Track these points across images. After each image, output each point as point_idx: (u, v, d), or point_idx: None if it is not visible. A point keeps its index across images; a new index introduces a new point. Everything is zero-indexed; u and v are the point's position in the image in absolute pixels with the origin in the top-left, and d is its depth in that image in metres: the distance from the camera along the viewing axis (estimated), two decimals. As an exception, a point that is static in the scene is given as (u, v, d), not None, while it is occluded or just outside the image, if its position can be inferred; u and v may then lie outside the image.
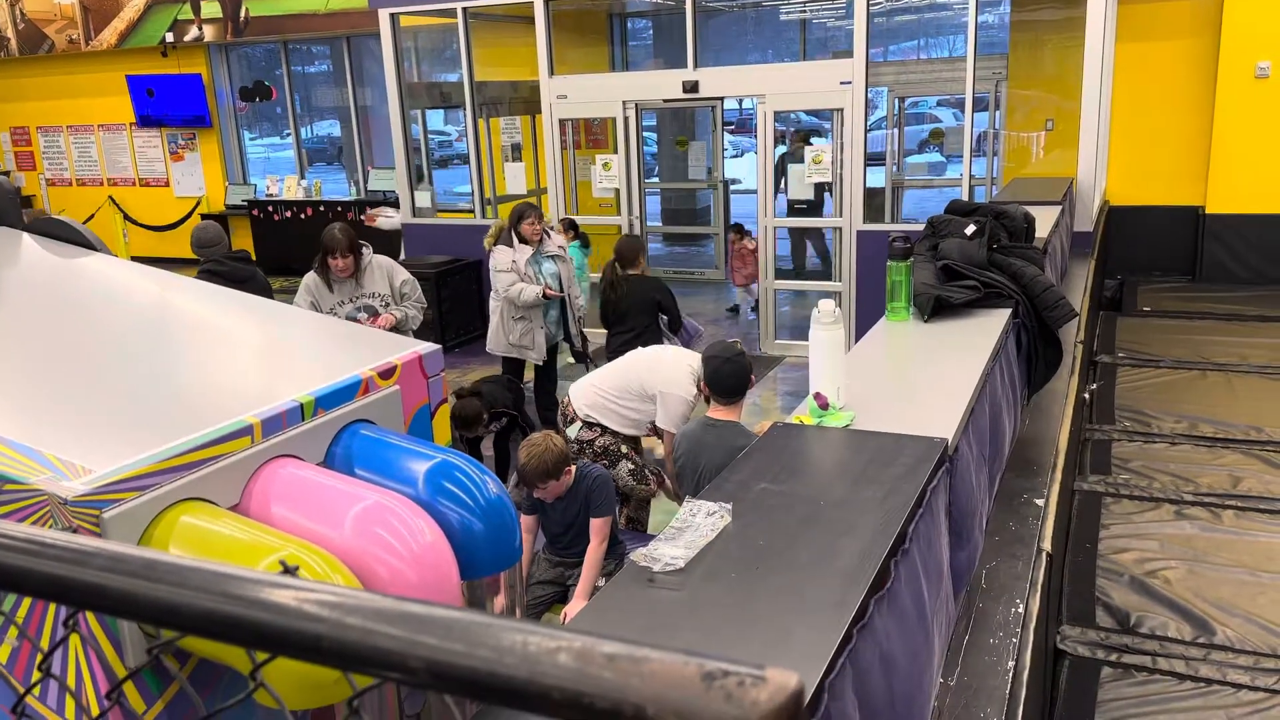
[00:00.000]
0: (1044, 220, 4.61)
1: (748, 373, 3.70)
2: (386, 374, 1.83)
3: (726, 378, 3.66)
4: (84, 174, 14.04)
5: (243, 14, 11.81)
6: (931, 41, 18.23)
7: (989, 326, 3.04)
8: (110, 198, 13.59)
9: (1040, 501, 2.96)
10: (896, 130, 10.35)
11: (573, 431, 4.47)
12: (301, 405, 1.65)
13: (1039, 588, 2.47)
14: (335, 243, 4.95)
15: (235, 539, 1.38)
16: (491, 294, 6.09)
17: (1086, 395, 5.00)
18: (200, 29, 12.15)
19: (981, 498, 2.48)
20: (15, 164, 14.40)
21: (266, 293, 5.31)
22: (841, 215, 7.67)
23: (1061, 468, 3.35)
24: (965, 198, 7.36)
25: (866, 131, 7.46)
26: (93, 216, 13.29)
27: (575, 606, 3.55)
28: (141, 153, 13.51)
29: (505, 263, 5.91)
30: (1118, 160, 8.12)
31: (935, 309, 3.08)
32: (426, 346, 1.95)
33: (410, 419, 1.87)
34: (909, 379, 2.69)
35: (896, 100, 10.04)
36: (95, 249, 2.34)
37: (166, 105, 12.79)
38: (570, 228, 8.02)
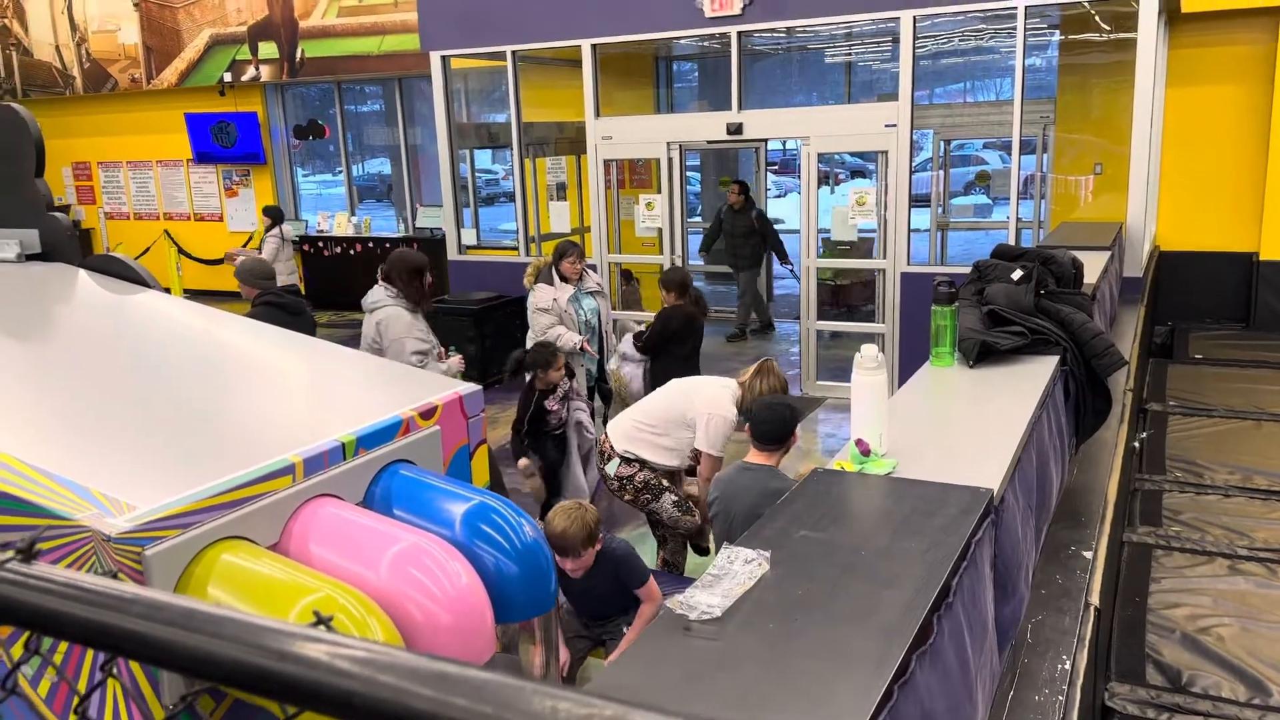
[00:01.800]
0: (1092, 265, 4.55)
1: (786, 422, 3.67)
2: (427, 414, 1.84)
3: (763, 424, 3.66)
4: (141, 208, 14.42)
5: (299, 55, 12.13)
6: (978, 84, 18.19)
7: (1036, 373, 3.00)
8: (166, 231, 13.94)
9: (1088, 554, 2.89)
10: (942, 172, 10.30)
11: (611, 468, 4.47)
12: (343, 445, 1.66)
13: (1086, 643, 2.40)
14: (424, 259, 4.87)
15: (273, 579, 1.38)
16: (529, 333, 6.12)
17: (1136, 444, 4.89)
18: (257, 69, 12.49)
19: (1028, 550, 2.42)
20: (76, 198, 14.83)
21: (312, 326, 5.34)
22: (885, 257, 7.63)
23: (1110, 519, 3.27)
24: (1012, 241, 7.30)
25: (911, 173, 7.44)
26: (148, 250, 13.62)
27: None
28: (197, 188, 13.86)
29: (546, 300, 5.95)
30: (1168, 205, 8.01)
31: (981, 355, 3.05)
32: (467, 387, 1.96)
33: (449, 459, 1.88)
34: (953, 426, 2.65)
35: (942, 142, 10.01)
36: (148, 285, 2.40)
37: (224, 143, 13.13)
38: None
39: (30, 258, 2.55)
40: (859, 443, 2.18)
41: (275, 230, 10.18)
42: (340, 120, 13.17)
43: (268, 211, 10.50)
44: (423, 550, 1.50)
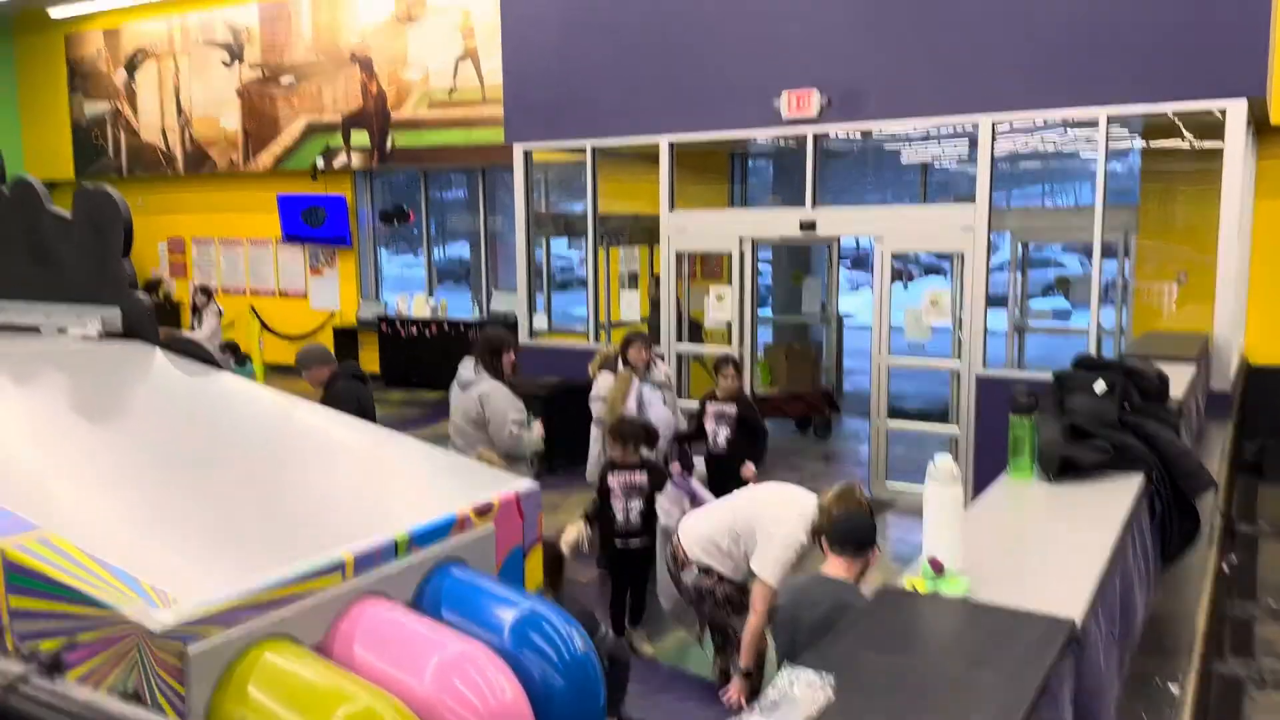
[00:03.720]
0: (1178, 379, 4.39)
1: (861, 528, 3.48)
2: (483, 512, 1.80)
3: (840, 522, 3.51)
4: (229, 283, 14.96)
5: (389, 144, 12.60)
6: (1056, 187, 18.05)
7: (1121, 492, 2.86)
8: (251, 307, 14.40)
9: (1175, 687, 2.71)
10: (1019, 274, 10.16)
11: (689, 578, 4.22)
12: (396, 542, 1.63)
13: (1176, 790, 2.22)
14: (505, 339, 5.14)
15: (314, 684, 1.34)
16: (593, 422, 6.11)
17: (1225, 568, 4.63)
18: (349, 156, 13.00)
19: (1110, 682, 2.27)
20: (169, 271, 15.46)
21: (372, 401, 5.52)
22: (960, 358, 7.49)
23: (1199, 649, 3.07)
24: (1093, 348, 7.11)
25: (988, 275, 7.34)
26: (232, 324, 14.07)
27: None
28: (284, 266, 14.34)
29: (607, 389, 5.95)
30: (1257, 317, 7.76)
31: (1062, 469, 2.93)
32: (525, 484, 1.92)
33: (502, 561, 1.83)
34: (1032, 545, 2.52)
35: (1020, 245, 9.89)
36: (220, 367, 2.44)
37: (312, 225, 13.63)
38: (229, 349, 8.42)
39: (110, 335, 2.63)
40: (932, 561, 2.08)
41: (211, 306, 10.51)
42: (424, 206, 13.58)
43: (204, 290, 10.90)
44: (468, 660, 1.44)
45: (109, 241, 2.59)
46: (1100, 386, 3.39)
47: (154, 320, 2.60)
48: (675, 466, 5.50)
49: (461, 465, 2.12)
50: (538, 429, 5.15)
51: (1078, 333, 10.20)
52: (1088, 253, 7.43)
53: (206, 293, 10.92)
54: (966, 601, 2.02)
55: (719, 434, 5.99)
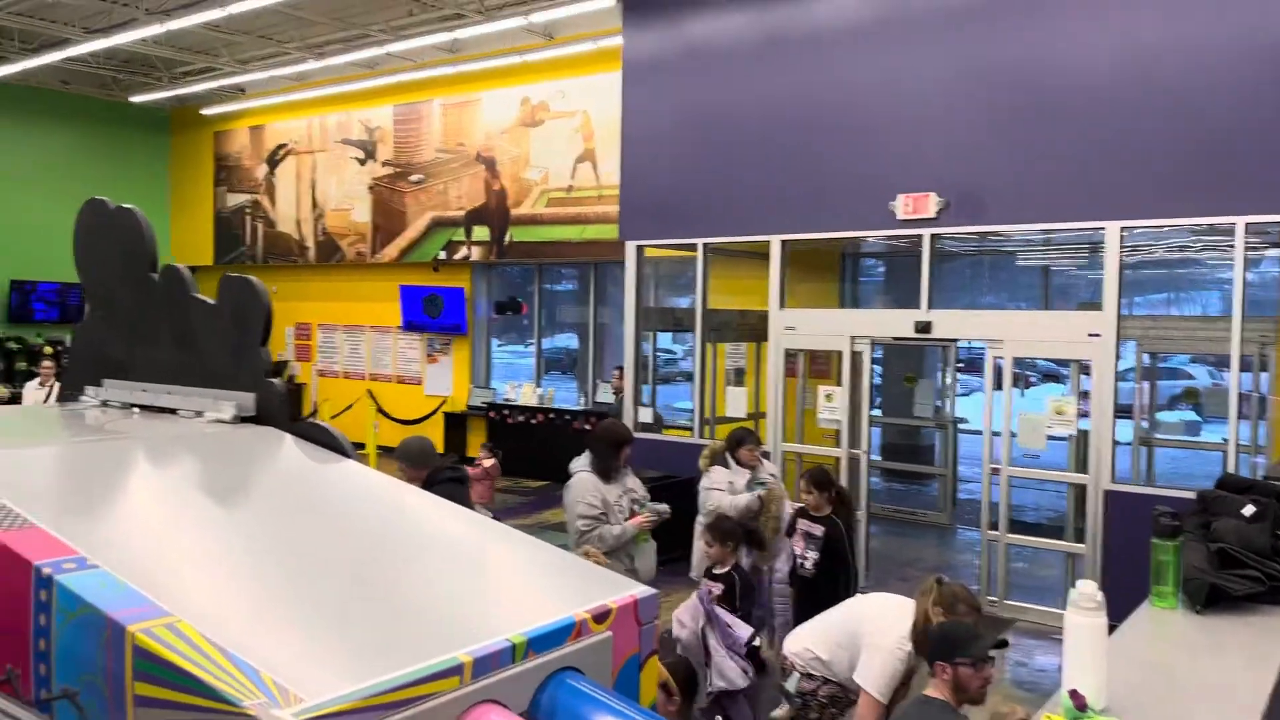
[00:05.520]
0: (1334, 504, 4.05)
1: (944, 638, 3.26)
2: (600, 617, 1.75)
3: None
4: (350, 368, 15.51)
5: (507, 238, 13.04)
6: (1182, 295, 17.37)
7: (1275, 628, 2.63)
8: (369, 391, 14.87)
9: None
10: (1147, 384, 9.73)
11: (791, 684, 4.14)
12: (514, 645, 1.58)
13: None
14: (628, 434, 5.20)
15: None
16: (699, 515, 6.01)
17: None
18: (469, 250, 13.48)
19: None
20: (295, 355, 16.15)
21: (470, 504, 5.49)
22: (1088, 472, 7.14)
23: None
24: (1230, 466, 6.70)
25: (1116, 384, 7.03)
26: (350, 406, 14.53)
27: None
28: (402, 353, 14.83)
29: (721, 482, 5.88)
30: None
31: (1210, 600, 2.71)
32: (643, 590, 1.86)
33: (618, 671, 1.77)
34: (1180, 682, 2.32)
35: (1147, 355, 9.49)
36: (348, 455, 2.49)
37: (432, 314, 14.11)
38: None
39: (244, 419, 2.72)
40: (1074, 695, 1.94)
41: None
42: (537, 297, 13.91)
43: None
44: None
45: (249, 329, 2.70)
46: (1249, 510, 3.16)
47: (284, 406, 2.68)
48: (706, 586, 4.89)
49: (575, 565, 2.07)
50: (632, 525, 4.93)
51: (1209, 447, 9.65)
52: (1219, 364, 7.07)
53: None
54: (1113, 744, 1.86)
55: (807, 556, 5.46)
